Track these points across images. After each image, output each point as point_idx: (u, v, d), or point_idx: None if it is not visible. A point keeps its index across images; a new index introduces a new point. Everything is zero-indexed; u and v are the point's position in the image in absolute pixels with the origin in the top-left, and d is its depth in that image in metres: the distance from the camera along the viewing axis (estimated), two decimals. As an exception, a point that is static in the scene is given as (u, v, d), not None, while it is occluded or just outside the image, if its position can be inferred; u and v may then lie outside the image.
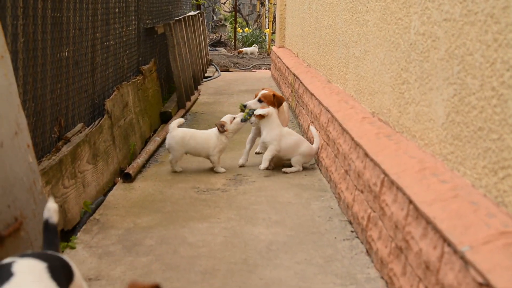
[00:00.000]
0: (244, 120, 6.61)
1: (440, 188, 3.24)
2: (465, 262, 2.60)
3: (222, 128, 6.53)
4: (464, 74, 3.24)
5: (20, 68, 4.25)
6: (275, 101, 6.84)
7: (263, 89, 7.09)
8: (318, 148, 6.51)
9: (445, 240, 2.85)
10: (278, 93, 7.39)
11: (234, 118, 6.65)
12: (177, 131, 6.48)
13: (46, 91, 4.76)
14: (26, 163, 3.27)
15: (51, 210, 2.81)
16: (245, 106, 6.75)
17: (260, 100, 6.79)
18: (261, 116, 6.49)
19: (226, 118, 6.67)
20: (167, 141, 6.53)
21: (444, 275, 2.81)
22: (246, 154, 6.81)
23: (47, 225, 2.80)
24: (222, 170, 6.53)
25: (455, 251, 2.72)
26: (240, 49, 20.34)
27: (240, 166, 6.70)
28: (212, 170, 6.49)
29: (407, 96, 4.20)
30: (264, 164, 6.39)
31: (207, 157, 6.55)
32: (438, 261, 2.90)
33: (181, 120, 6.71)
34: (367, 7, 5.40)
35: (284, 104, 7.14)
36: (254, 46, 20.68)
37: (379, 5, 5.01)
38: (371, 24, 5.24)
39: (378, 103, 4.98)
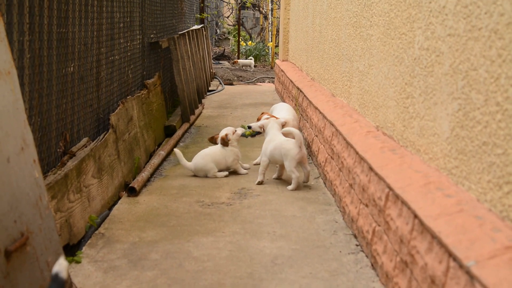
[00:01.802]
0: (244, 135, 7.02)
1: (445, 203, 3.24)
2: (471, 277, 2.60)
3: (224, 142, 6.90)
4: (468, 89, 3.25)
5: (26, 83, 4.27)
6: None
7: (263, 113, 7.35)
8: (300, 148, 6.45)
9: (451, 255, 2.85)
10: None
11: (235, 131, 7.02)
12: (198, 161, 6.93)
13: (51, 106, 4.78)
14: (32, 178, 3.28)
15: (62, 265, 2.80)
16: (249, 127, 7.05)
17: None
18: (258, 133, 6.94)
19: (228, 130, 7.02)
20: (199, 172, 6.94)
21: (450, 290, 2.81)
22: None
23: (56, 279, 2.79)
24: (245, 171, 7.07)
25: (461, 266, 2.72)
26: (235, 60, 20.31)
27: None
28: (216, 184, 6.50)
29: (412, 110, 4.20)
30: (258, 178, 6.64)
31: (227, 168, 6.99)
32: (444, 276, 2.90)
33: (179, 153, 7.03)
34: (371, 21, 5.41)
35: (290, 118, 7.29)
36: (250, 59, 20.65)
37: (382, 20, 5.02)
38: (375, 39, 5.26)
39: (382, 117, 4.99)
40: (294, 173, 6.36)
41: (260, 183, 6.58)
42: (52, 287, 2.79)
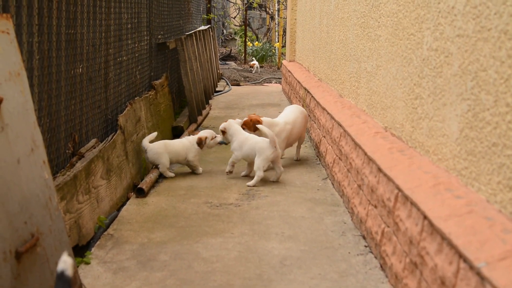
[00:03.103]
0: (222, 143, 7.13)
1: (455, 204, 3.24)
2: (482, 278, 2.59)
3: (200, 143, 7.03)
4: (478, 90, 3.24)
5: (36, 85, 4.28)
6: (252, 124, 7.08)
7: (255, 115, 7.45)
8: (275, 148, 6.51)
9: (461, 256, 2.84)
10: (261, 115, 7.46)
11: (215, 137, 7.16)
12: (153, 146, 6.88)
13: (60, 108, 4.79)
14: (42, 180, 3.28)
15: (67, 262, 2.75)
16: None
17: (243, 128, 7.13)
18: (222, 132, 7.01)
19: (208, 133, 7.18)
20: (149, 157, 6.88)
21: (460, 291, 2.80)
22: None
23: (61, 277, 2.74)
24: (201, 171, 7.16)
25: (471, 267, 2.71)
26: (252, 63, 20.15)
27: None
28: (224, 185, 6.51)
29: (420, 111, 4.20)
30: (227, 168, 6.88)
31: (186, 163, 7.13)
32: (454, 277, 2.89)
33: (154, 134, 7.03)
34: (379, 22, 5.41)
35: (294, 116, 7.42)
36: (252, 60, 20.58)
37: (391, 21, 5.02)
38: (383, 39, 5.25)
39: (390, 118, 4.98)
40: (260, 172, 6.51)
41: (229, 172, 6.86)
42: (58, 286, 2.75)
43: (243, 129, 7.03)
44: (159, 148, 6.84)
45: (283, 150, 7.33)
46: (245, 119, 7.19)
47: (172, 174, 6.92)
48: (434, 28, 3.97)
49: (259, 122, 7.01)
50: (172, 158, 6.93)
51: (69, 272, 2.75)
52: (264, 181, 6.60)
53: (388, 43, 5.10)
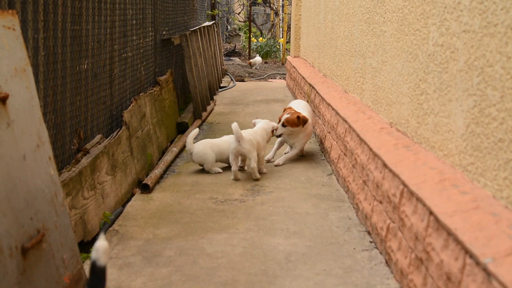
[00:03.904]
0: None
1: (461, 200, 3.23)
2: (488, 274, 2.59)
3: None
4: (484, 86, 3.24)
5: (41, 81, 4.28)
6: (300, 123, 7.19)
7: (285, 109, 7.55)
8: (238, 143, 6.59)
9: (467, 252, 2.84)
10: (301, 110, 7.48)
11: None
12: (198, 147, 6.88)
13: (66, 104, 4.79)
14: (47, 176, 3.29)
15: (99, 250, 2.58)
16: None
17: (283, 125, 7.23)
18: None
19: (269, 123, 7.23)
20: (195, 159, 6.90)
21: (466, 287, 2.80)
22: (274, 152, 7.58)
23: (94, 268, 2.60)
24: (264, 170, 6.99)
25: (478, 263, 2.71)
26: (249, 61, 20.15)
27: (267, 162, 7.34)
28: (229, 181, 6.51)
29: (426, 107, 4.19)
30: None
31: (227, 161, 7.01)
32: (460, 273, 2.89)
33: (196, 131, 7.00)
34: (384, 17, 5.40)
35: (308, 113, 7.55)
36: (256, 56, 20.53)
37: (396, 16, 5.01)
38: (388, 35, 5.24)
39: (396, 114, 4.98)
40: (231, 165, 6.64)
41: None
42: (91, 278, 2.60)
43: (284, 126, 7.20)
44: (204, 149, 6.86)
45: (302, 149, 7.47)
46: (287, 116, 7.25)
47: (219, 170, 6.93)
48: (440, 24, 3.96)
49: (307, 120, 7.24)
50: (216, 158, 6.95)
51: (102, 261, 2.61)
52: (269, 177, 6.61)
53: (393, 39, 5.08)
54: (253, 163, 6.57)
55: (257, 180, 6.55)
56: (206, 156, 6.81)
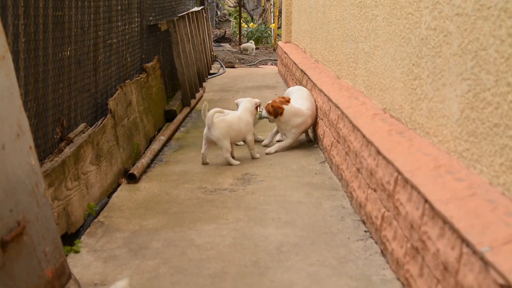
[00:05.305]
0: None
1: (456, 187, 3.21)
2: (485, 263, 2.56)
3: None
4: (478, 70, 3.21)
5: (22, 68, 4.23)
6: (272, 113, 7.22)
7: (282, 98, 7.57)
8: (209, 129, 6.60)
9: (464, 240, 2.82)
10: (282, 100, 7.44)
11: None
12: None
13: (48, 91, 4.74)
14: (28, 166, 3.25)
15: None
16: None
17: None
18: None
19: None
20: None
21: (464, 277, 2.77)
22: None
23: None
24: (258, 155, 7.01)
25: (474, 252, 2.68)
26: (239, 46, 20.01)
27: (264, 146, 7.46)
28: (218, 170, 6.48)
29: (420, 92, 4.16)
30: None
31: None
32: (457, 262, 2.87)
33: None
34: (376, 1, 5.36)
35: (311, 103, 7.52)
36: (251, 42, 20.42)
37: (388, 0, 4.98)
38: (380, 19, 5.21)
39: (389, 99, 4.95)
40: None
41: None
42: None
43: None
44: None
45: (295, 140, 7.40)
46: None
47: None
48: (432, 7, 3.92)
49: (282, 109, 7.14)
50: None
51: None
52: (259, 166, 6.58)
53: (385, 23, 5.05)
54: (224, 153, 6.60)
55: (230, 165, 6.64)
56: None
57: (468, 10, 3.35)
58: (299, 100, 7.40)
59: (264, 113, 7.23)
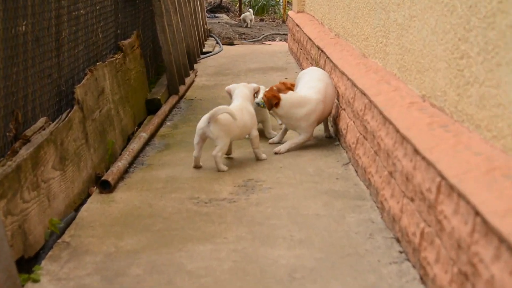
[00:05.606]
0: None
1: (516, 195, 3.20)
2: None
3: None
4: (544, 45, 3.20)
5: (-37, 48, 4.24)
6: (266, 103, 7.27)
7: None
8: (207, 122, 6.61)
9: (525, 264, 2.81)
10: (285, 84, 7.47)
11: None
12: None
13: (-3, 78, 4.75)
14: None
15: None
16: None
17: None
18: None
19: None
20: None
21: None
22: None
23: None
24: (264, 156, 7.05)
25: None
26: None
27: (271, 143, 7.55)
28: (215, 175, 6.48)
29: (468, 74, 4.15)
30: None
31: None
32: (517, 292, 2.86)
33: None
34: (413, -42, 5.36)
35: (325, 85, 7.45)
36: (248, 11, 20.43)
37: (428, -44, 4.97)
38: (419, -19, 5.21)
39: (429, 84, 4.94)
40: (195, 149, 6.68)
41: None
42: None
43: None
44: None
45: (310, 135, 7.36)
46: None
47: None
48: (485, -35, 3.92)
49: (274, 101, 7.09)
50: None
51: None
52: (266, 169, 6.59)
53: (425, -14, 5.06)
54: (217, 151, 6.58)
55: (220, 171, 6.60)
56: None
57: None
58: (309, 83, 7.37)
59: (260, 99, 7.25)
